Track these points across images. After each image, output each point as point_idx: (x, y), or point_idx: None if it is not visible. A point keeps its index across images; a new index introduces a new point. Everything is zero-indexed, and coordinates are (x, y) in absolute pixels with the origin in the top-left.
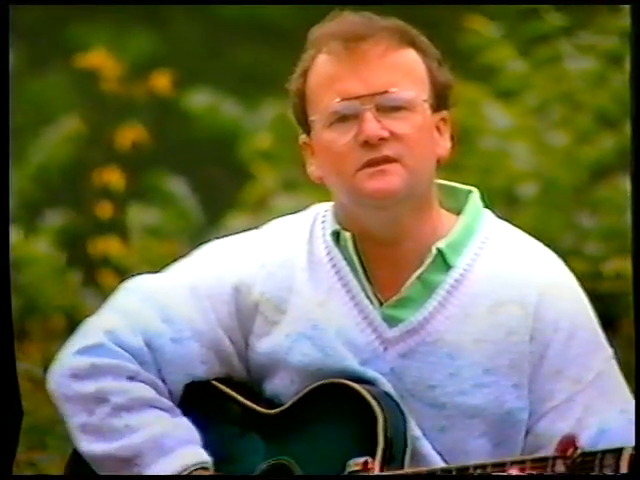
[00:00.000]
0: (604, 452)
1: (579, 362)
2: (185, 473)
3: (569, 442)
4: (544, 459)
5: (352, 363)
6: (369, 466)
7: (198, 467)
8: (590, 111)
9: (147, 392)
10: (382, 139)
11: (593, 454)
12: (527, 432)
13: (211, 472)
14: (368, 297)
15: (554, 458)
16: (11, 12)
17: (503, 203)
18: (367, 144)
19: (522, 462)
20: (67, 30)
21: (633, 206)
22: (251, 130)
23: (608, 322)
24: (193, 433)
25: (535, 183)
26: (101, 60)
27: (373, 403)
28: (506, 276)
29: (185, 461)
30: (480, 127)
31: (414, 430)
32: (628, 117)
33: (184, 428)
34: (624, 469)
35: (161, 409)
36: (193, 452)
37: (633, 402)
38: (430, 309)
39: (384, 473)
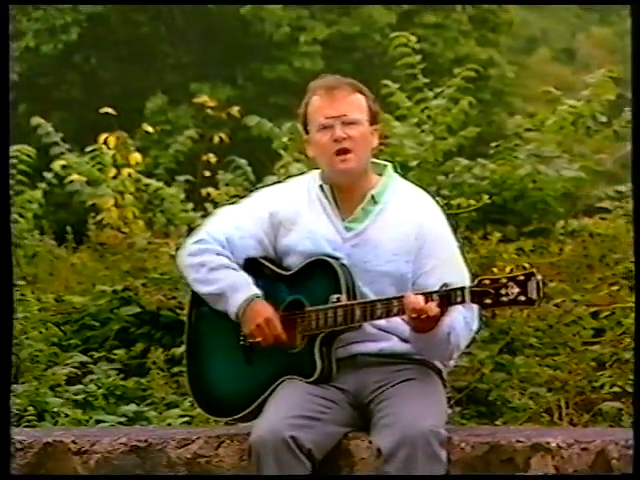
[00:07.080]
0: (456, 288)
1: (440, 249)
2: (247, 302)
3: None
4: (429, 292)
5: (328, 250)
6: (341, 299)
7: (255, 296)
8: (442, 124)
9: (226, 260)
10: (344, 139)
11: (451, 289)
12: (413, 284)
13: (262, 301)
14: (336, 217)
15: (431, 292)
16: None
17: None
18: (336, 141)
19: (416, 294)
20: (189, 85)
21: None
22: (278, 135)
23: (454, 230)
24: (249, 279)
25: (416, 160)
26: (205, 100)
27: (338, 269)
28: (406, 208)
29: (247, 294)
30: (389, 133)
31: (358, 282)
32: (463, 128)
33: (244, 278)
34: (468, 299)
35: (233, 269)
36: (250, 288)
37: (466, 270)
38: (367, 224)
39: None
